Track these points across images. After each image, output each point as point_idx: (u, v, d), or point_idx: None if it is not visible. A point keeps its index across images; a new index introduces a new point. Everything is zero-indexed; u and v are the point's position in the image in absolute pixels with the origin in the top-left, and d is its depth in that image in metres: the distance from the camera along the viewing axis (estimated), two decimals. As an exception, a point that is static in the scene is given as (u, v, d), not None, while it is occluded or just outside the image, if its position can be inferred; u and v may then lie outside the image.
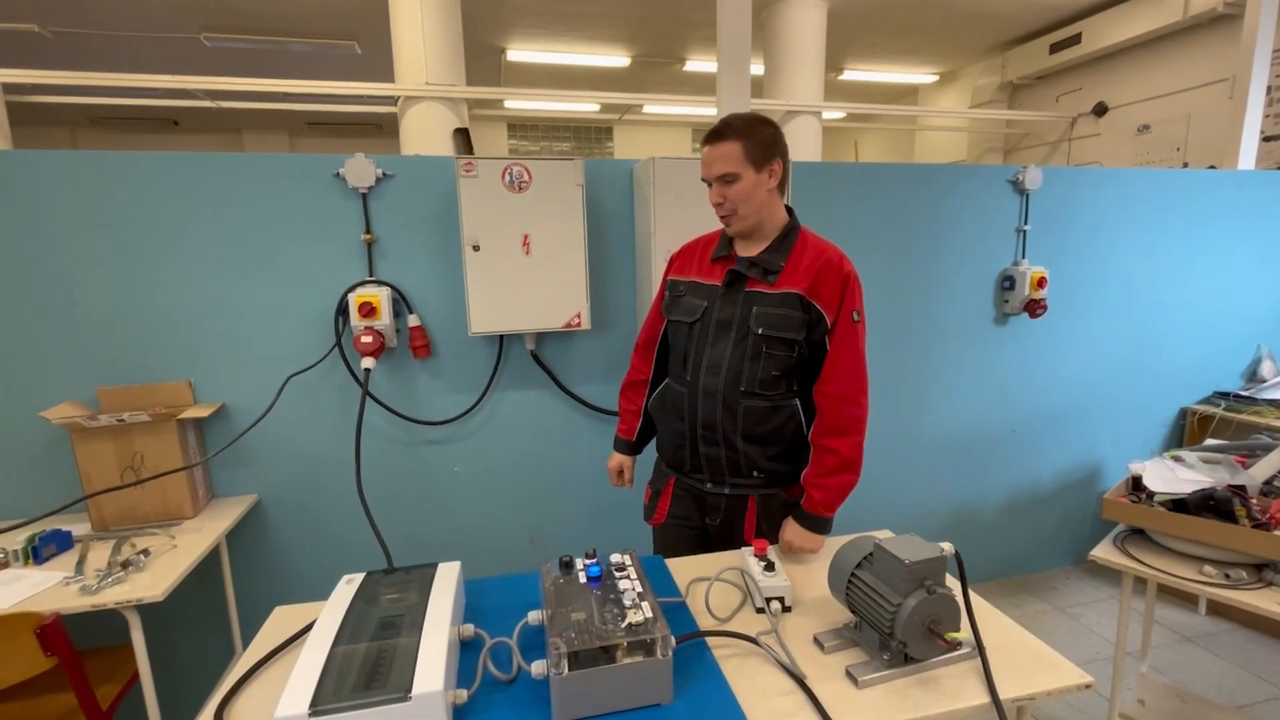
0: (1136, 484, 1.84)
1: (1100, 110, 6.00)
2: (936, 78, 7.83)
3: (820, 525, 1.42)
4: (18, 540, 1.60)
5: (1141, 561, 1.63)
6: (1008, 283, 2.64)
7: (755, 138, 1.36)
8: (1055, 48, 6.12)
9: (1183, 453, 1.93)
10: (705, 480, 1.51)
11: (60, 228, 1.85)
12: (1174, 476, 1.78)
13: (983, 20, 5.99)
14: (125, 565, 1.53)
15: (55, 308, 1.87)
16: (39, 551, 1.59)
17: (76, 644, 1.40)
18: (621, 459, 1.74)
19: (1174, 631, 2.53)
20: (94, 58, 6.13)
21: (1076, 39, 5.87)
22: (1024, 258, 2.65)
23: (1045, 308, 2.61)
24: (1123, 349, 2.88)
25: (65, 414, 1.76)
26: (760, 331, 1.39)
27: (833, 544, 1.37)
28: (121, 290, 1.90)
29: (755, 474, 1.46)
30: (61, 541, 1.65)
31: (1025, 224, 2.64)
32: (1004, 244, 2.65)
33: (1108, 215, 2.74)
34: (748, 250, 1.45)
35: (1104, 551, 1.70)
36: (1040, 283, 2.58)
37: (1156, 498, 1.73)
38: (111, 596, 1.43)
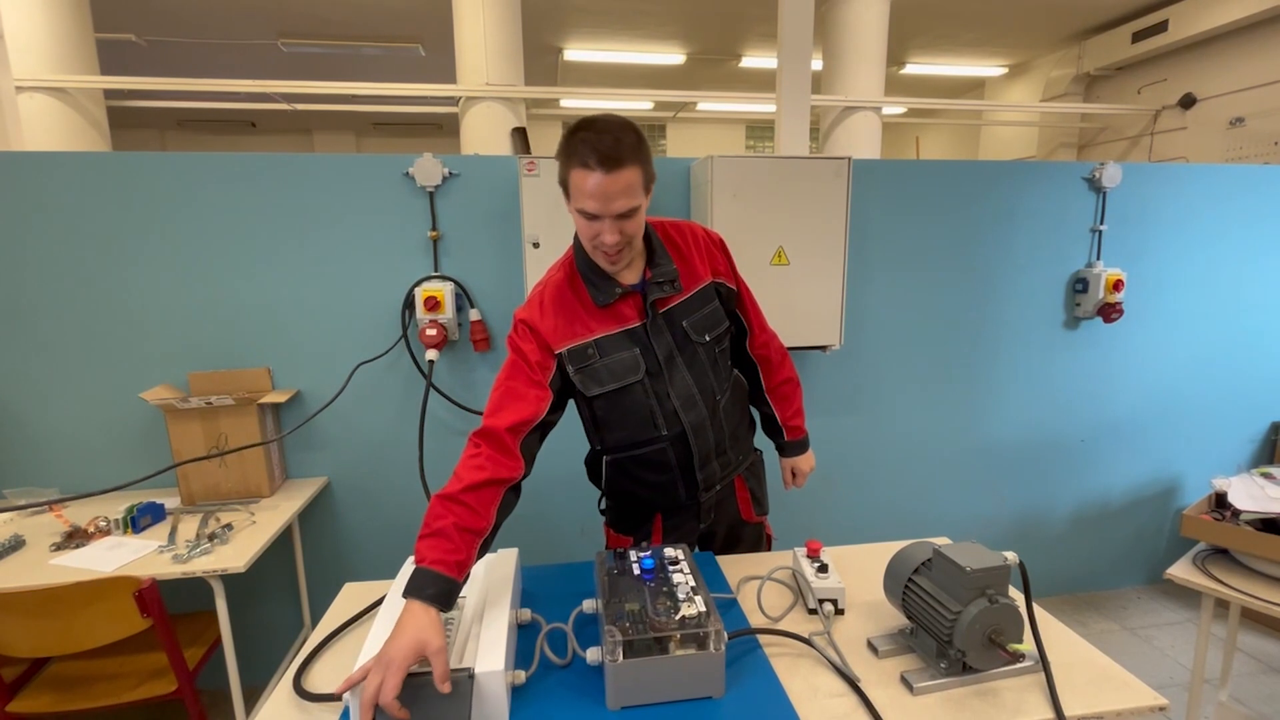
0: (1220, 501, 1.73)
1: (1187, 102, 5.62)
2: (1006, 70, 7.49)
3: (804, 444, 1.56)
4: (118, 510, 1.75)
5: (1224, 583, 1.54)
6: (1080, 285, 2.51)
7: (646, 153, 1.11)
8: (1138, 36, 5.76)
9: (1273, 469, 1.81)
10: (700, 493, 1.40)
11: (155, 226, 1.99)
12: (1263, 494, 1.67)
13: (1059, 8, 5.70)
14: (211, 538, 1.65)
15: (153, 299, 2.02)
16: (136, 521, 1.73)
17: (167, 608, 1.51)
18: (429, 632, 0.90)
19: (1257, 660, 2.37)
20: (182, 65, 6.56)
21: (1162, 26, 5.51)
22: (1099, 259, 2.52)
23: (1121, 312, 2.48)
24: (1207, 358, 2.70)
25: (161, 396, 1.91)
26: (706, 339, 1.30)
27: (888, 549, 1.35)
28: (210, 283, 2.04)
29: (739, 457, 1.46)
30: (156, 513, 1.80)
31: (1101, 224, 2.51)
32: (1077, 244, 2.53)
33: (1194, 214, 2.57)
34: (629, 275, 1.25)
35: (1182, 570, 1.61)
36: (1116, 286, 2.45)
37: (1243, 516, 1.62)
38: (200, 566, 1.55)
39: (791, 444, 1.54)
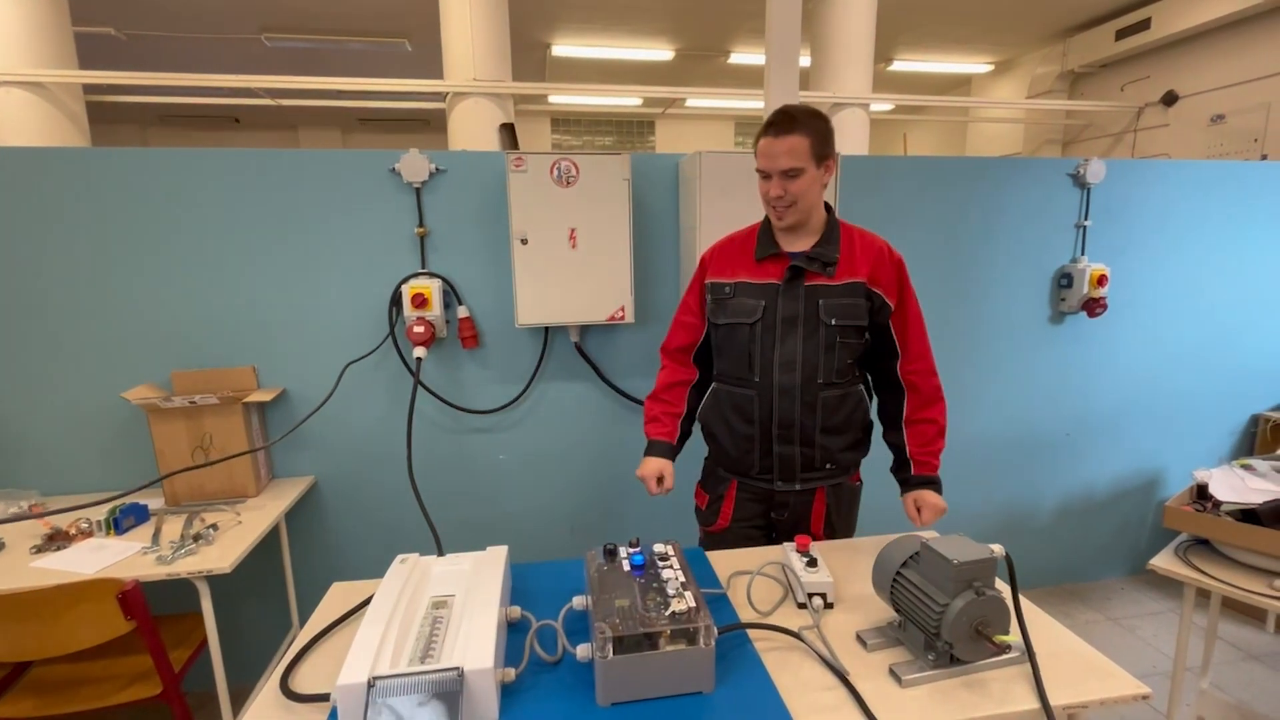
0: (1201, 492, 1.76)
1: (1169, 99, 5.68)
2: (992, 67, 7.54)
3: (937, 485, 1.50)
4: (100, 511, 1.72)
5: (1205, 573, 1.56)
6: (1065, 280, 2.54)
7: (820, 133, 1.35)
8: (1122, 34, 5.82)
9: (1254, 461, 1.84)
10: (775, 480, 1.51)
11: (137, 223, 1.96)
12: (1243, 485, 1.70)
13: (1044, 6, 5.74)
14: (196, 538, 1.63)
15: (135, 297, 1.99)
16: (119, 523, 1.71)
17: (151, 610, 1.50)
18: (662, 464, 1.58)
19: (1238, 648, 2.41)
20: (163, 59, 6.45)
21: (1145, 24, 5.57)
22: (1083, 254, 2.55)
23: (1105, 306, 2.51)
24: (1189, 351, 2.74)
25: (143, 395, 1.88)
26: (833, 322, 1.41)
27: (876, 542, 1.36)
28: (193, 280, 2.01)
29: (828, 466, 1.50)
30: (139, 514, 1.77)
31: (1085, 219, 2.53)
32: (1062, 240, 2.55)
33: (1176, 210, 2.61)
34: (795, 245, 1.45)
35: (1164, 561, 1.63)
36: (1100, 280, 2.48)
37: (1224, 507, 1.65)
38: (184, 567, 1.53)
39: (917, 478, 1.50)
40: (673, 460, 1.62)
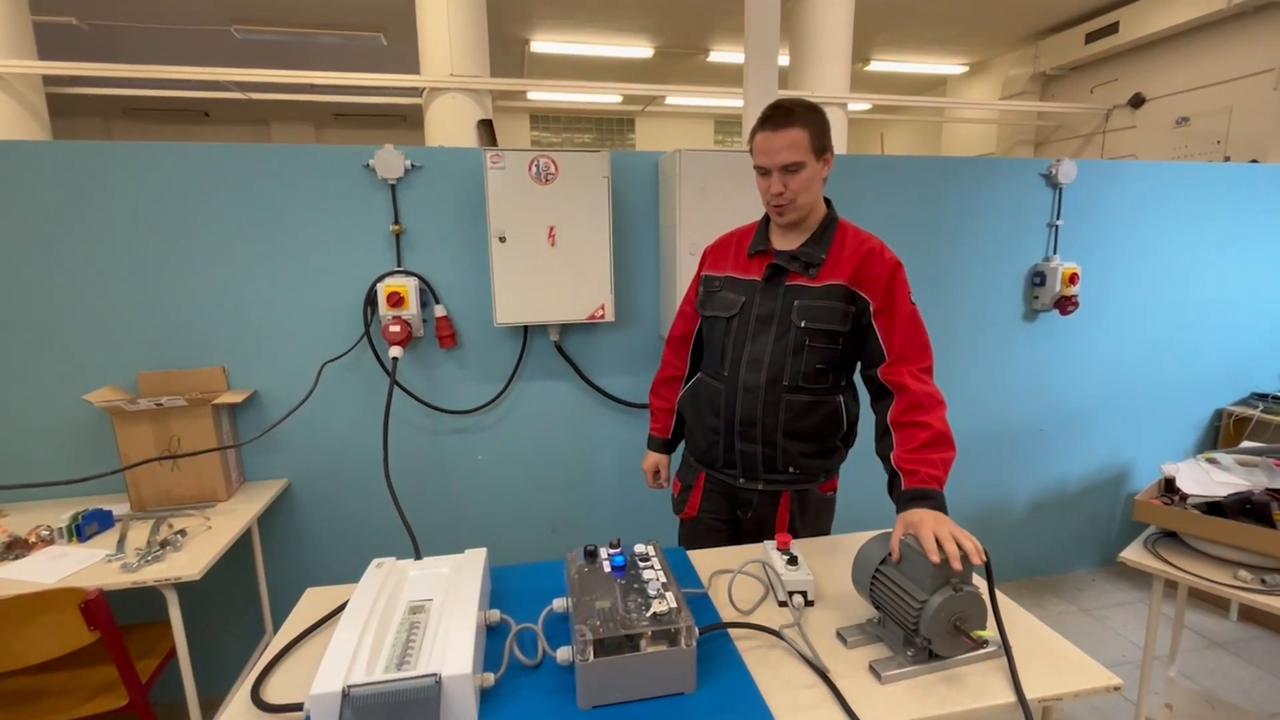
0: (1169, 486, 1.80)
1: (1137, 102, 5.83)
2: (966, 68, 7.66)
3: (935, 501, 1.21)
4: (62, 518, 1.66)
5: (1173, 564, 1.60)
6: (1038, 279, 2.59)
7: (818, 125, 1.32)
8: (1091, 37, 5.95)
9: (1218, 455, 1.89)
10: (738, 476, 1.50)
11: (100, 219, 1.90)
12: (1208, 479, 1.74)
13: (1017, 9, 5.85)
14: (164, 545, 1.58)
15: (98, 297, 1.93)
16: (82, 529, 1.65)
17: (117, 619, 1.45)
18: (657, 458, 1.72)
19: (1204, 637, 2.48)
20: (128, 50, 6.26)
21: (1114, 28, 5.70)
22: (1055, 253, 2.60)
23: (1077, 304, 2.56)
24: (1156, 348, 2.81)
25: (106, 398, 1.82)
26: (803, 324, 1.37)
27: (855, 540, 1.37)
28: (159, 279, 1.95)
29: (791, 470, 1.46)
30: (103, 520, 1.71)
31: (1057, 219, 2.58)
32: (1035, 239, 2.60)
33: (1144, 210, 2.67)
34: (786, 243, 1.43)
35: (1134, 553, 1.67)
36: (1072, 279, 2.53)
37: (1190, 500, 1.69)
38: (151, 574, 1.48)
39: (907, 493, 1.22)
40: (669, 454, 1.74)
